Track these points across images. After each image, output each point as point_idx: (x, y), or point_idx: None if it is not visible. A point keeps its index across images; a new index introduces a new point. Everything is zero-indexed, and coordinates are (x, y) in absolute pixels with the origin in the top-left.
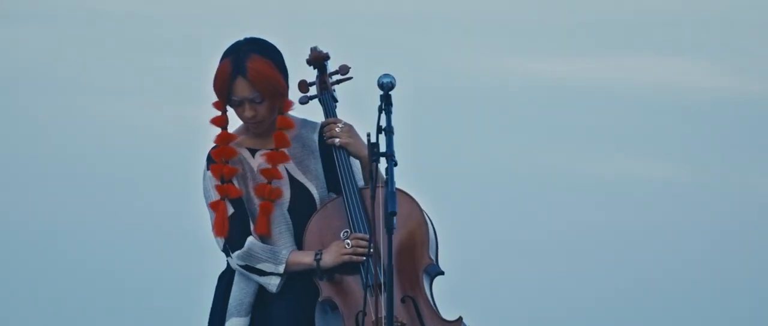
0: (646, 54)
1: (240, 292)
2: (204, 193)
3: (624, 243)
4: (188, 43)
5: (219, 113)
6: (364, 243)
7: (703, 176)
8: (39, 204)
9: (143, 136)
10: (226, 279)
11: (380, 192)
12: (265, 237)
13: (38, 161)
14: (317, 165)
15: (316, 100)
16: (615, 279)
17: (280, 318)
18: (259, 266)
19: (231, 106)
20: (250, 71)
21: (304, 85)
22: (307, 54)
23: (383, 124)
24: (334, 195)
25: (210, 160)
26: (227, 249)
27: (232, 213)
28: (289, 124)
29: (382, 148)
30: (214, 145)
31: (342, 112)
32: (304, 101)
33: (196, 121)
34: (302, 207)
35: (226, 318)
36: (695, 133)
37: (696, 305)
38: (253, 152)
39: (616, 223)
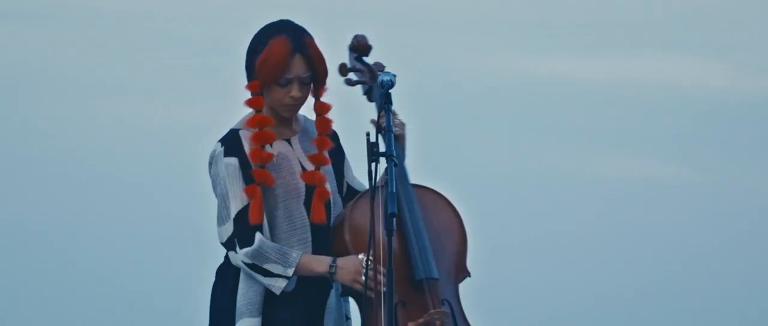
0: (648, 53)
1: (249, 290)
2: (215, 180)
3: (627, 244)
4: (189, 43)
5: (255, 95)
6: (380, 276)
7: (706, 176)
8: (38, 205)
9: (143, 136)
10: (230, 275)
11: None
12: (321, 225)
13: (38, 161)
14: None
15: (350, 85)
16: (618, 280)
17: (290, 319)
18: (267, 266)
19: (276, 85)
20: (309, 48)
21: (344, 69)
22: (349, 40)
23: (383, 123)
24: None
25: (234, 143)
26: (234, 244)
27: (246, 205)
28: (329, 108)
29: (382, 148)
30: (234, 129)
31: (342, 110)
32: (352, 83)
33: (196, 120)
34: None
35: (237, 318)
36: (699, 133)
37: (698, 305)
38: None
39: (619, 224)
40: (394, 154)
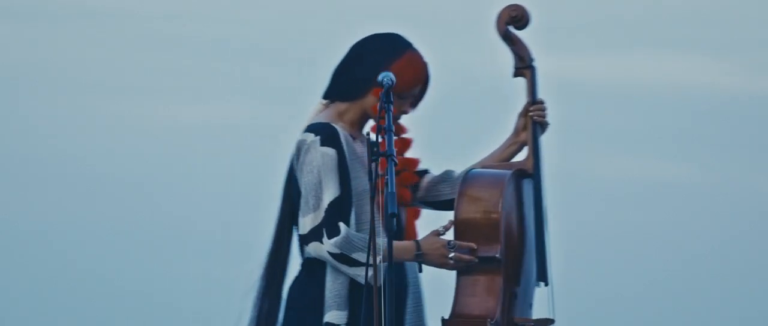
0: (648, 52)
1: (335, 282)
2: (305, 168)
3: (627, 244)
4: (189, 43)
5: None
6: (468, 257)
7: (706, 175)
8: (38, 205)
9: (143, 136)
10: (318, 267)
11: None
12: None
13: (38, 161)
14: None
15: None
16: (618, 280)
17: (374, 310)
18: (354, 255)
19: (396, 96)
20: (429, 74)
21: (508, 24)
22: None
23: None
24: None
25: (331, 135)
26: (320, 234)
27: (338, 196)
28: (407, 129)
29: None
30: (325, 123)
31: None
32: (521, 71)
33: (196, 120)
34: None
35: (325, 310)
36: (699, 132)
37: (698, 305)
38: (352, 138)
39: (619, 224)
40: (394, 154)
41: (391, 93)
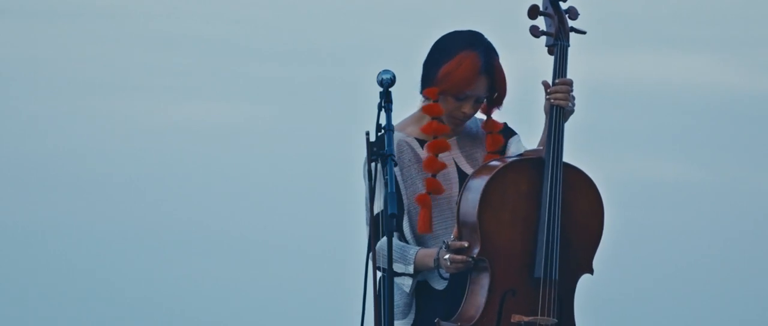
0: (651, 51)
1: (396, 293)
2: (364, 179)
3: (627, 244)
4: (189, 42)
5: (433, 101)
6: (461, 257)
7: (710, 176)
8: (38, 205)
9: (144, 136)
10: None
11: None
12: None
13: (38, 161)
14: (484, 155)
15: (535, 36)
16: (620, 280)
17: (440, 317)
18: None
19: (452, 96)
20: (497, 72)
21: (535, 11)
22: None
23: (383, 122)
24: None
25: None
26: (368, 248)
27: (381, 211)
28: (500, 126)
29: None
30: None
31: (340, 109)
32: (538, 33)
33: (196, 120)
34: None
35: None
36: (702, 131)
37: (702, 305)
38: (421, 143)
39: (620, 224)
40: (394, 154)
41: (453, 93)
